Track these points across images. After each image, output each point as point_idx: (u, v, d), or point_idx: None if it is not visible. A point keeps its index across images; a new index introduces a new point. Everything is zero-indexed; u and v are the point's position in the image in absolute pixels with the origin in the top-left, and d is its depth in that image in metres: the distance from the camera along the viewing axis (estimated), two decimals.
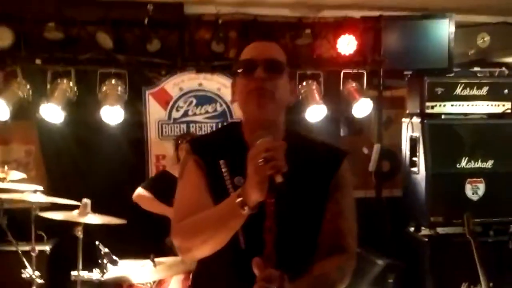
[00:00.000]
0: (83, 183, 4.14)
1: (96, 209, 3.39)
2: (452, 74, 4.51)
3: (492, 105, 4.40)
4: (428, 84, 4.32)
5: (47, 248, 3.86)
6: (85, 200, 3.28)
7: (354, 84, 4.63)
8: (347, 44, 4.55)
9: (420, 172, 4.35)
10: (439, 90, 4.32)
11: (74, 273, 3.27)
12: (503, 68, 4.81)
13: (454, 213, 4.11)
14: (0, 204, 3.66)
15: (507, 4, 4.56)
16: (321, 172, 1.63)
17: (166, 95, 4.45)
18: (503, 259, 4.18)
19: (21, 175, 3.65)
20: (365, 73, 4.65)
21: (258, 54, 1.59)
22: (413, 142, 4.45)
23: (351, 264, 1.64)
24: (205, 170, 1.62)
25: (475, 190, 4.26)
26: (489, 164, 4.30)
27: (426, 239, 4.29)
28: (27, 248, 3.55)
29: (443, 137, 4.29)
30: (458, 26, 4.69)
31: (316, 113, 4.51)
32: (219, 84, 4.54)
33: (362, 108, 4.56)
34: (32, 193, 3.41)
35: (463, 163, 4.27)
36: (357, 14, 4.66)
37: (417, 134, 4.39)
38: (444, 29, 4.60)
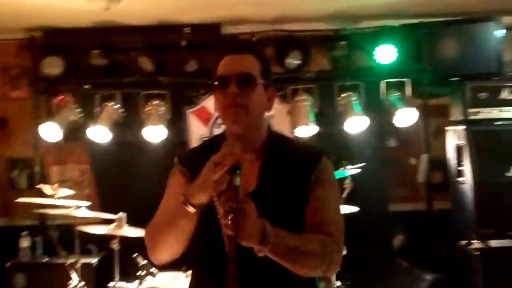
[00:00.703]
0: (129, 199, 4.32)
1: (141, 223, 3.54)
2: (498, 78, 4.28)
3: None
4: (470, 89, 4.13)
5: (94, 260, 4.06)
6: (120, 214, 3.45)
7: (396, 94, 4.53)
8: (386, 53, 4.49)
9: (467, 182, 4.14)
10: (483, 95, 4.12)
11: (111, 283, 3.43)
12: None
13: (506, 224, 3.87)
14: (52, 220, 3.91)
15: None
16: (300, 172, 1.65)
17: (207, 113, 4.59)
18: None
19: (69, 192, 3.90)
20: (407, 81, 4.54)
21: (230, 69, 1.63)
22: (459, 150, 4.25)
23: (336, 249, 1.58)
24: (190, 180, 1.66)
25: None
26: None
27: (477, 253, 4.05)
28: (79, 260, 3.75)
29: (490, 145, 4.07)
30: (510, 28, 4.48)
31: (356, 124, 4.45)
32: None
33: (406, 118, 4.45)
34: (76, 209, 3.62)
35: None
36: (396, 23, 4.58)
37: (462, 142, 4.19)
38: (490, 33, 4.40)
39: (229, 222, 1.31)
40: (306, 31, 4.61)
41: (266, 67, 1.71)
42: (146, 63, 4.39)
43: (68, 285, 3.60)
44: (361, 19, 4.66)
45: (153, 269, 3.48)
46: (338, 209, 1.70)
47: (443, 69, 4.47)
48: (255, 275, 1.54)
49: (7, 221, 4.60)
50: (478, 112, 4.13)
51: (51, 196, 3.83)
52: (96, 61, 4.42)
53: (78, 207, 3.64)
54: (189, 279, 3.05)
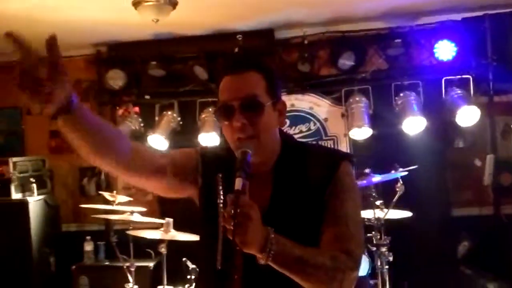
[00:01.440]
0: (185, 204, 4.44)
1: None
2: None
3: None
4: None
5: (151, 264, 4.22)
6: (167, 219, 3.57)
7: (458, 91, 4.28)
8: (446, 50, 4.26)
9: None
10: None
11: (159, 287, 3.55)
12: None
13: None
14: (111, 224, 4.13)
15: None
16: (315, 186, 1.54)
17: None
18: None
19: (126, 198, 4.09)
20: (470, 78, 4.28)
21: (233, 95, 1.51)
22: None
23: (351, 266, 1.44)
24: (201, 180, 1.64)
25: None
26: None
27: None
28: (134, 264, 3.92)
29: None
30: None
31: (414, 125, 4.26)
32: (311, 103, 4.57)
33: (468, 116, 4.19)
34: (130, 214, 3.79)
35: None
36: (457, 17, 4.33)
37: None
38: None
39: (233, 227, 1.28)
40: (360, 31, 4.48)
41: (272, 81, 1.57)
42: (201, 72, 4.50)
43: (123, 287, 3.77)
44: (419, 15, 4.46)
45: None
46: (357, 221, 1.56)
47: (510, 63, 4.17)
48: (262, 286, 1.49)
49: (78, 227, 4.91)
50: None
51: (112, 203, 4.05)
52: (155, 72, 4.60)
53: (132, 212, 3.80)
54: None
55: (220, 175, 1.50)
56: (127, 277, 3.86)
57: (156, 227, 3.94)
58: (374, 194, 3.56)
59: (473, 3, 4.24)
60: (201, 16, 4.22)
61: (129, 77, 4.66)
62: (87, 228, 4.81)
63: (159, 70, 4.59)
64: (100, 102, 4.84)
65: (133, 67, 4.68)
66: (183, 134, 4.66)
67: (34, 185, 4.43)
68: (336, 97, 4.57)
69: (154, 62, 4.56)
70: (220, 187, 1.48)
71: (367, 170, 3.51)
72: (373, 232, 3.47)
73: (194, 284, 3.45)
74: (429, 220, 4.27)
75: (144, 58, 4.63)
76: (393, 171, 3.66)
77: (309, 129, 4.59)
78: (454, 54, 4.25)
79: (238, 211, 1.28)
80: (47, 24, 4.01)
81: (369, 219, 3.51)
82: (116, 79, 4.63)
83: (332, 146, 4.54)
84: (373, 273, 3.48)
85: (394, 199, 3.60)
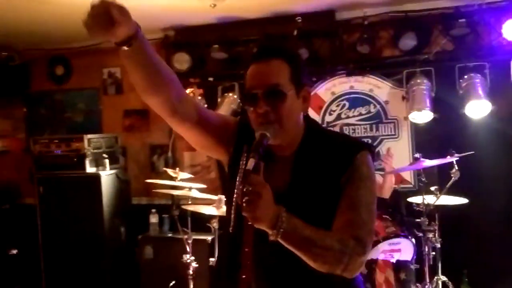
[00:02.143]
0: None
1: None
2: None
3: None
4: None
5: (209, 238, 4.43)
6: (220, 195, 3.74)
7: None
8: None
9: None
10: None
11: (211, 259, 3.75)
12: None
13: None
14: (176, 199, 4.39)
15: None
16: (332, 172, 1.61)
17: (319, 101, 4.64)
18: None
19: (187, 175, 4.31)
20: None
21: (257, 83, 1.59)
22: None
23: (358, 251, 1.50)
24: (232, 150, 1.74)
25: None
26: None
27: None
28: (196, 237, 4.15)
29: None
30: None
31: (479, 108, 4.09)
32: (371, 85, 4.52)
33: None
34: (189, 191, 4.01)
35: None
36: None
37: None
38: None
39: (244, 204, 1.38)
40: (424, 11, 4.33)
41: (296, 68, 1.63)
42: None
43: (182, 258, 4.02)
44: None
45: None
46: (370, 210, 1.59)
47: None
48: (278, 268, 1.61)
49: (148, 200, 5.24)
50: None
51: (175, 179, 4.30)
52: (217, 55, 4.76)
53: (191, 188, 4.02)
54: None
55: (245, 147, 1.57)
56: (186, 249, 4.11)
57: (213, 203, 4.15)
58: (423, 179, 3.49)
59: None
60: None
61: (194, 60, 4.85)
62: (156, 201, 5.13)
63: (221, 53, 4.74)
64: None
65: (198, 51, 4.87)
66: (241, 115, 4.78)
67: (107, 160, 4.79)
68: (397, 79, 4.47)
69: (216, 46, 4.71)
70: (244, 159, 1.54)
71: (417, 155, 3.44)
72: (422, 218, 3.41)
73: None
74: (493, 208, 4.11)
75: (208, 42, 4.79)
76: (448, 156, 3.56)
77: (369, 112, 4.54)
78: None
79: (250, 189, 1.38)
80: None
81: (417, 204, 3.45)
82: (182, 62, 4.84)
83: (393, 129, 4.48)
84: (419, 258, 3.43)
85: (448, 185, 3.51)
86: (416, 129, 4.42)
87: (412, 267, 3.07)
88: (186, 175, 4.28)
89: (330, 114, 4.63)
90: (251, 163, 1.43)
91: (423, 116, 4.21)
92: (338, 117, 4.60)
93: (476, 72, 4.17)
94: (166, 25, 5.02)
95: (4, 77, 5.45)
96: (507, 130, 4.19)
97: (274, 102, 1.57)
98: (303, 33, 4.50)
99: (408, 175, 4.35)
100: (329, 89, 4.62)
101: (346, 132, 4.57)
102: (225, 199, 1.86)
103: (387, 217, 3.28)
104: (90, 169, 4.69)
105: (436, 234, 3.54)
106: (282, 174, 1.64)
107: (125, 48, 1.48)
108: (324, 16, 4.61)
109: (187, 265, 4.00)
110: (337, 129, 4.42)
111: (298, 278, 1.61)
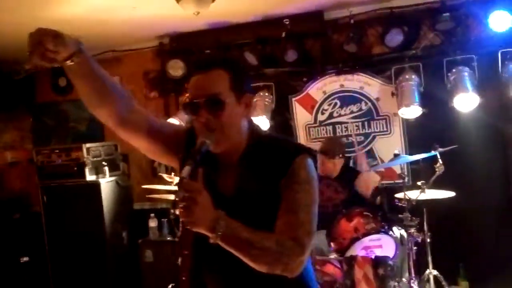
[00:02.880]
0: None
1: None
2: None
3: None
4: None
5: None
6: None
7: None
8: (501, 20, 4.00)
9: None
10: None
11: None
12: None
13: None
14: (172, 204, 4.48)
15: None
16: (273, 176, 1.66)
17: (311, 100, 4.69)
18: None
19: None
20: None
21: (198, 93, 1.64)
22: None
23: (297, 252, 1.57)
24: (182, 150, 1.79)
25: None
26: None
27: None
28: None
29: None
30: None
31: (466, 102, 4.08)
32: (361, 83, 4.55)
33: None
34: None
35: None
36: None
37: None
38: None
39: (181, 209, 1.45)
40: (410, 6, 4.34)
41: (236, 76, 1.67)
42: (251, 58, 4.67)
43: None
44: None
45: None
46: (309, 211, 1.64)
47: None
48: (225, 269, 1.67)
49: (150, 205, 5.35)
50: None
51: (171, 183, 4.40)
52: None
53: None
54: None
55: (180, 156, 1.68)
56: None
57: None
58: (403, 175, 3.51)
59: None
60: (250, 3, 4.35)
61: (188, 66, 4.95)
62: (158, 206, 5.24)
63: None
64: (164, 91, 5.21)
65: (191, 58, 4.96)
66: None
67: (106, 168, 4.92)
68: (387, 76, 4.49)
69: (208, 51, 4.80)
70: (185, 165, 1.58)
71: (396, 151, 3.46)
72: (404, 213, 3.42)
73: None
74: (483, 202, 4.10)
75: (201, 47, 4.87)
76: (432, 151, 3.58)
77: (360, 109, 4.57)
78: (510, 24, 3.97)
79: (186, 195, 1.44)
80: (108, 23, 4.43)
81: (399, 200, 3.48)
82: (176, 68, 4.95)
83: (384, 126, 4.50)
84: (402, 253, 3.46)
85: (431, 179, 3.53)
86: (408, 124, 4.43)
87: (391, 262, 3.09)
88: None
89: (323, 113, 4.67)
90: (186, 170, 1.48)
91: (412, 111, 4.23)
92: (331, 116, 4.64)
93: (464, 65, 4.17)
94: (161, 32, 5.12)
95: (11, 89, 5.62)
96: (496, 122, 4.18)
97: (214, 110, 1.62)
98: (294, 34, 4.56)
99: (399, 171, 4.36)
100: (320, 88, 4.67)
101: (338, 131, 4.62)
102: None
103: (368, 214, 3.31)
104: (90, 177, 4.82)
105: (425, 228, 3.57)
106: (230, 179, 1.70)
107: (68, 63, 1.56)
108: (314, 17, 4.66)
109: None
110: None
111: (244, 278, 1.68)
